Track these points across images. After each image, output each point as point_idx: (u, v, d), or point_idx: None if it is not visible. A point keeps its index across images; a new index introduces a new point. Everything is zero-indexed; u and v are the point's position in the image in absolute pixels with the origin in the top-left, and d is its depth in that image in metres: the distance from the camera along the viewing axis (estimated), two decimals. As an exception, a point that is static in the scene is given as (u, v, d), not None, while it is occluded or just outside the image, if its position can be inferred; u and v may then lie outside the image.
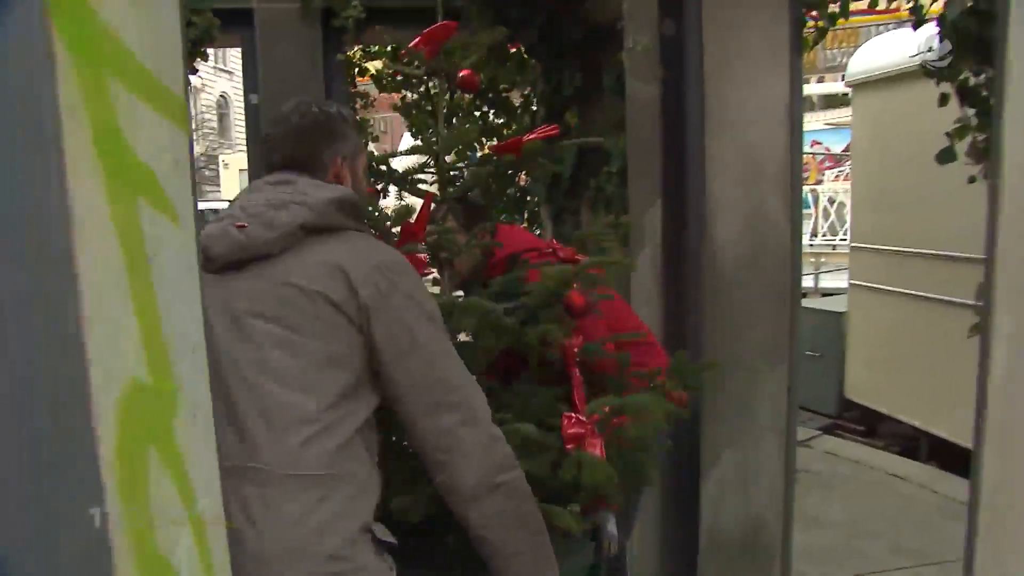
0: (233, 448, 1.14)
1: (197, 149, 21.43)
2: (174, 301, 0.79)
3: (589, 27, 3.52)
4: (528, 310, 1.56)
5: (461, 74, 1.65)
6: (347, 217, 1.28)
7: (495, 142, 5.11)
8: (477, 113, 4.95)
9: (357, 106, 4.62)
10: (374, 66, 4.81)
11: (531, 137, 1.66)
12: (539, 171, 4.18)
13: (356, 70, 4.56)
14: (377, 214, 1.56)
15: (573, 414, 1.44)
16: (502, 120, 4.96)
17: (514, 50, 4.45)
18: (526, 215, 4.94)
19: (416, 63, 1.67)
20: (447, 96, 4.90)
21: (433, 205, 1.68)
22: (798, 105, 2.42)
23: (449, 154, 1.68)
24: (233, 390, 1.17)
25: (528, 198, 4.69)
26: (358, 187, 1.40)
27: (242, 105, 5.12)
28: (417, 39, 1.64)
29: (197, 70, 3.93)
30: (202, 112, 23.31)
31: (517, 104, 4.79)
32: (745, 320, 2.40)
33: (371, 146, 5.25)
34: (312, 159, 1.34)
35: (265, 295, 1.20)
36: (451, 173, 1.69)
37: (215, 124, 24.54)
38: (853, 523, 3.65)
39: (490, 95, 4.76)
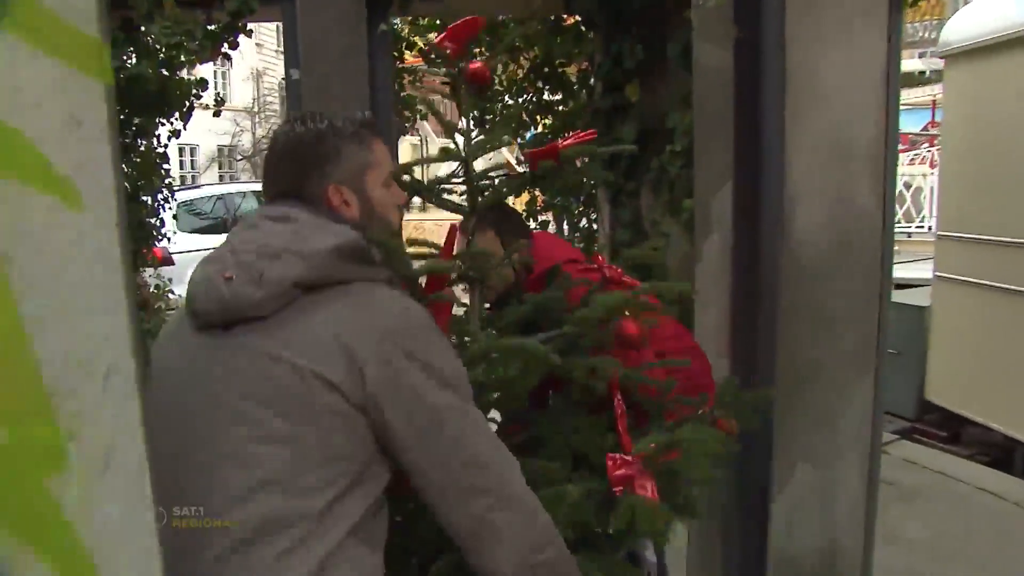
0: (194, 564, 0.97)
1: (259, 132, 21.82)
2: (69, 312, 0.58)
3: (653, -8, 3.22)
4: (569, 339, 1.38)
5: (470, 68, 1.45)
6: (352, 266, 1.08)
7: (550, 121, 4.88)
8: (531, 90, 4.70)
9: (405, 81, 4.41)
10: (423, 40, 4.59)
11: (568, 143, 1.44)
12: (573, 177, 3.97)
13: (404, 44, 4.35)
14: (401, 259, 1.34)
15: (618, 455, 1.25)
16: (558, 97, 4.69)
17: (571, 21, 4.17)
18: (581, 198, 4.67)
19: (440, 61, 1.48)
20: (504, 78, 4.70)
21: (462, 218, 1.52)
22: (896, 73, 2.09)
23: (477, 160, 1.48)
24: (201, 482, 1.00)
25: (584, 179, 4.42)
26: (372, 210, 1.19)
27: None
28: (441, 36, 1.47)
29: (238, 44, 3.77)
30: (264, 95, 23.60)
31: (574, 80, 4.51)
32: (827, 321, 2.10)
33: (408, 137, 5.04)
34: (298, 191, 1.15)
35: (251, 371, 1.01)
36: (481, 183, 1.48)
37: (278, 107, 24.86)
38: (935, 543, 3.29)
39: (545, 70, 4.50)
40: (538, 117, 4.76)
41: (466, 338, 1.54)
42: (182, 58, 4.00)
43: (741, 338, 2.16)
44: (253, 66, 21.78)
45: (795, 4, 1.98)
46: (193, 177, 21.07)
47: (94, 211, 0.61)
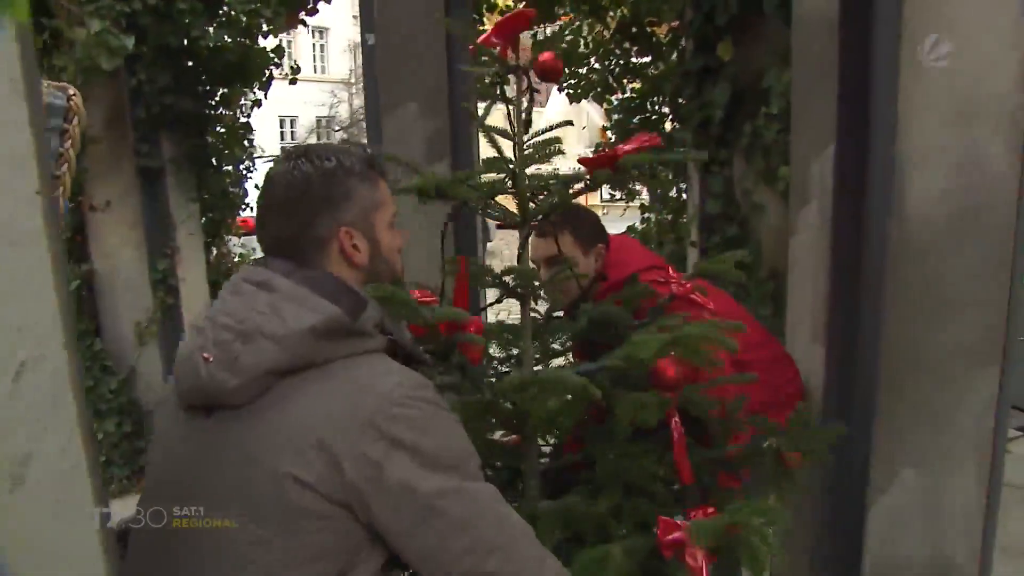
0: None
1: (356, 103, 22.21)
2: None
3: (750, -63, 2.91)
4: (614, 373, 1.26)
5: (541, 59, 1.35)
6: (332, 344, 0.99)
7: (639, 85, 4.62)
8: (618, 52, 4.45)
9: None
10: (508, 1, 4.42)
11: (628, 149, 1.27)
12: (685, 112, 3.70)
13: (484, 5, 4.18)
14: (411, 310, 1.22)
15: (670, 519, 1.13)
16: (647, 59, 4.42)
17: (661, -24, 3.89)
18: (671, 166, 4.40)
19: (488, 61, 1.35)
20: (590, 40, 4.47)
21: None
22: (1038, 16, 1.76)
23: (527, 168, 1.35)
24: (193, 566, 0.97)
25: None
26: (380, 254, 1.12)
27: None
28: (487, 32, 1.34)
29: (317, 11, 3.71)
30: (360, 67, 24.00)
31: (663, 40, 4.22)
32: (943, 304, 1.82)
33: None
34: (304, 237, 1.06)
35: (231, 471, 0.96)
36: (533, 193, 1.35)
37: (373, 78, 25.18)
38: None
39: (632, 30, 4.23)
40: (625, 81, 4.51)
41: (514, 350, 1.49)
42: (263, 27, 4.00)
43: (839, 321, 1.91)
44: (350, 38, 22.12)
45: (917, -66, 1.69)
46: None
47: (4, 179, 0.49)
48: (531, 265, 1.70)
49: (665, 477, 1.23)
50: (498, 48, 1.33)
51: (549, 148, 1.31)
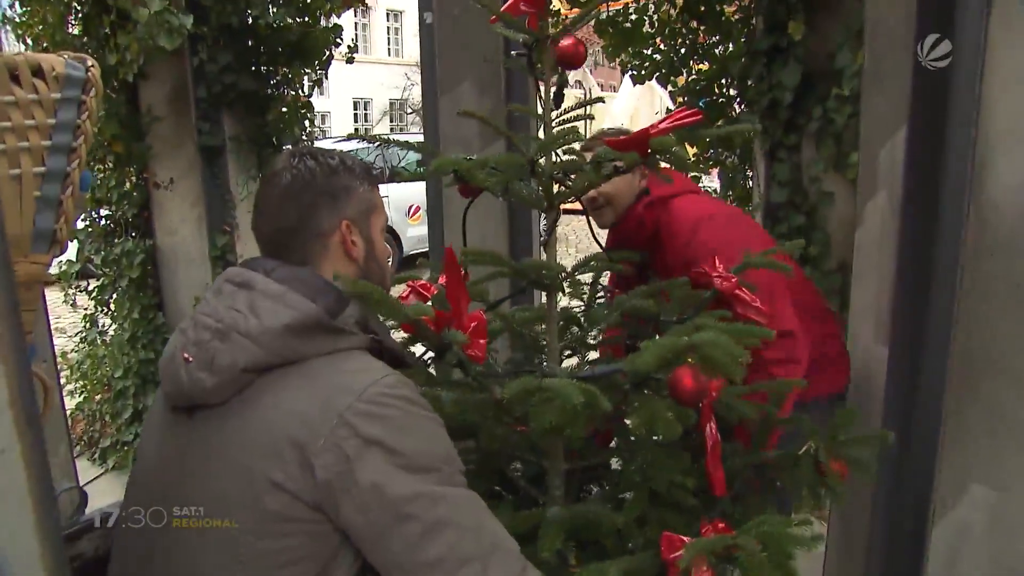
0: None
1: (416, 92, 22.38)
2: None
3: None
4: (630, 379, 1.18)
5: (561, 44, 1.26)
6: (308, 341, 0.99)
7: (706, 67, 4.43)
8: (685, 32, 4.27)
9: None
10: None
11: (662, 127, 1.15)
12: (753, 95, 3.52)
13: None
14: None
15: (675, 535, 1.04)
16: (715, 39, 4.23)
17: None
18: (737, 152, 4.21)
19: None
20: (656, 19, 4.31)
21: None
22: None
23: (544, 159, 1.27)
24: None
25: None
26: (374, 255, 1.15)
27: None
28: (511, 1, 1.25)
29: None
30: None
31: (733, 19, 4.03)
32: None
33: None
34: (306, 228, 1.09)
35: (208, 474, 0.96)
36: (555, 176, 1.26)
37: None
38: None
39: (701, 8, 4.05)
40: (692, 62, 4.33)
41: (543, 342, 1.44)
42: (328, 6, 4.01)
43: (906, 319, 1.75)
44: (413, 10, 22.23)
45: None
46: (367, 130, 22.09)
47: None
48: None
49: (695, 487, 1.14)
50: (527, 16, 1.24)
51: (568, 135, 1.22)
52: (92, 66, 1.12)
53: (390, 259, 1.36)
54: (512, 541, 0.99)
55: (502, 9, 1.25)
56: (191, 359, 0.98)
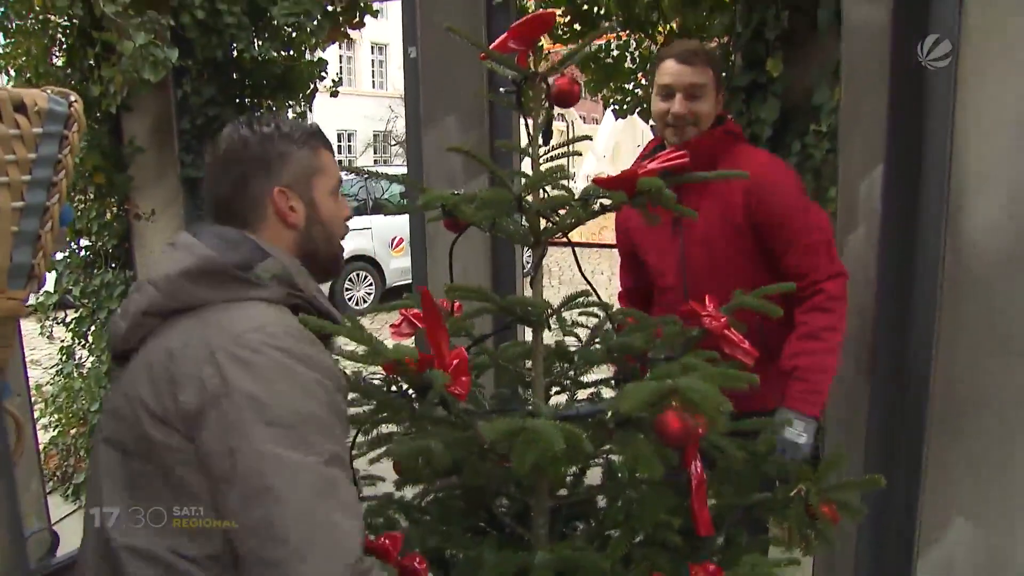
0: None
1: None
2: None
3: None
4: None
5: (556, 83, 1.27)
6: (207, 288, 1.01)
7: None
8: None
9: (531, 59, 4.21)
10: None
11: (650, 168, 1.17)
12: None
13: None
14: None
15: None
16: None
17: (710, -10, 3.79)
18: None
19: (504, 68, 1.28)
20: (637, 55, 4.40)
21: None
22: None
23: (532, 195, 1.28)
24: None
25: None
26: (318, 218, 1.16)
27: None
28: (503, 35, 1.27)
29: (363, 24, 3.73)
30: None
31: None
32: (1003, 340, 1.67)
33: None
34: (239, 196, 1.11)
35: (112, 409, 1.01)
36: (542, 212, 1.28)
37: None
38: None
39: (682, 45, 4.13)
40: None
41: (528, 378, 1.41)
42: (312, 40, 4.04)
43: (886, 356, 1.77)
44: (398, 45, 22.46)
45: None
46: (350, 161, 22.16)
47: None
48: (664, 89, 1.77)
49: (681, 528, 1.13)
50: (516, 54, 1.25)
51: (557, 174, 1.22)
52: (75, 101, 1.11)
53: (348, 218, 1.34)
54: (351, 543, 0.90)
55: (491, 47, 1.27)
56: (118, 311, 1.06)
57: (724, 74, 1.78)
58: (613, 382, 1.53)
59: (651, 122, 4.77)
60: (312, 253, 1.16)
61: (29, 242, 1.05)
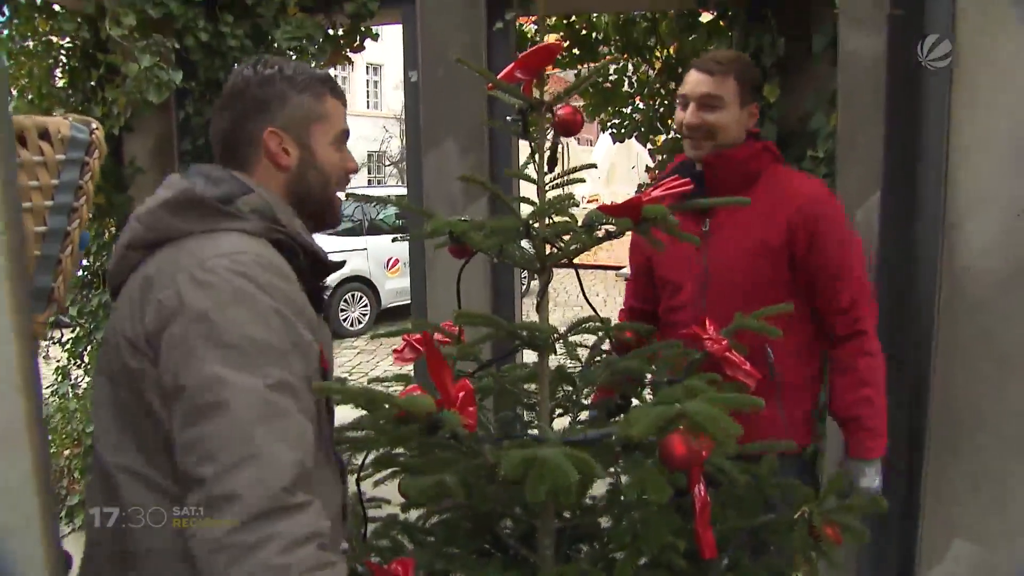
0: None
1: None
2: None
3: (797, -22, 2.86)
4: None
5: (560, 112, 1.30)
6: (186, 220, 1.02)
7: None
8: (663, 92, 4.41)
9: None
10: (552, 39, 4.43)
11: (654, 196, 1.19)
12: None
13: (528, 44, 4.20)
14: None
15: None
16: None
17: (706, 17, 3.86)
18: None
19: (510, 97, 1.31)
20: (635, 80, 4.45)
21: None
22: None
23: (542, 222, 1.31)
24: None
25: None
26: (314, 162, 1.15)
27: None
28: (510, 66, 1.30)
29: (363, 48, 3.77)
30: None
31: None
32: (999, 362, 1.70)
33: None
34: (235, 133, 1.12)
35: (104, 341, 1.03)
36: (548, 241, 1.31)
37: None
38: None
39: (679, 70, 4.19)
40: (670, 121, 4.46)
41: (528, 400, 1.47)
42: (313, 64, 4.08)
43: (887, 377, 1.80)
44: (399, 70, 22.64)
45: (970, -28, 1.62)
46: (344, 182, 22.18)
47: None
48: (681, 98, 1.71)
49: (686, 551, 1.14)
50: (522, 83, 1.29)
51: (565, 202, 1.25)
52: (96, 128, 1.14)
53: (353, 171, 1.32)
54: (282, 474, 0.87)
55: (499, 76, 1.30)
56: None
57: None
58: (612, 406, 1.55)
59: (648, 146, 4.83)
60: (304, 197, 1.15)
61: (50, 266, 1.07)
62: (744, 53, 1.74)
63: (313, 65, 4.00)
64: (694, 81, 1.69)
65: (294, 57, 3.91)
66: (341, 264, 1.29)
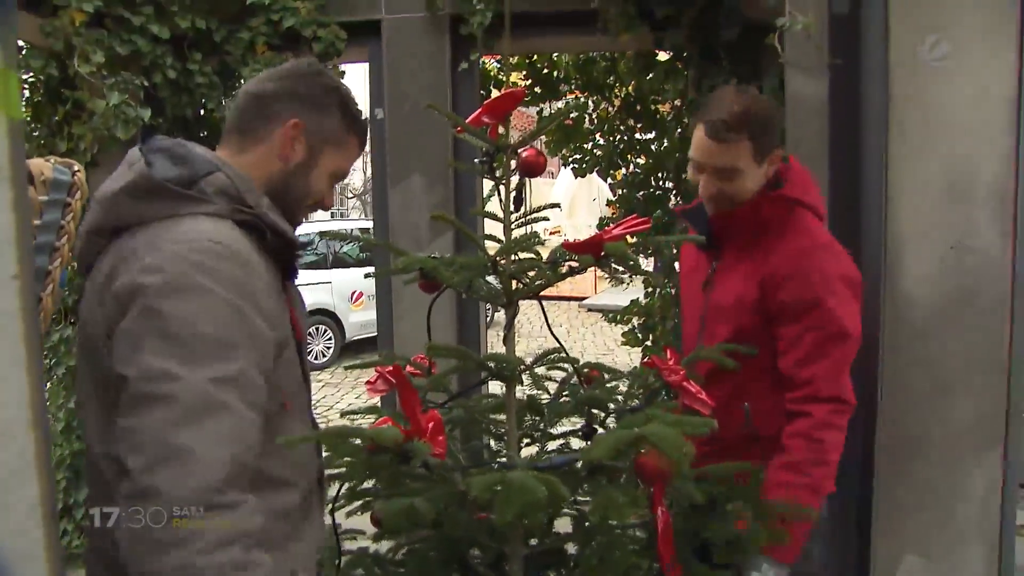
0: None
1: (369, 172, 22.72)
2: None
3: (746, 23, 3.01)
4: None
5: (524, 155, 1.35)
6: (148, 204, 0.99)
7: (643, 161, 4.71)
8: (622, 128, 4.55)
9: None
10: (515, 78, 4.55)
11: (614, 235, 1.28)
12: (688, 188, 3.76)
13: (491, 83, 4.31)
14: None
15: None
16: (650, 135, 4.52)
17: (663, 57, 4.01)
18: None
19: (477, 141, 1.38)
20: (595, 116, 4.60)
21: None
22: (1026, 101, 1.80)
23: (508, 259, 1.36)
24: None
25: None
26: (307, 173, 1.15)
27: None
28: (477, 111, 1.37)
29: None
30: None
31: (667, 117, 4.33)
32: (940, 386, 1.81)
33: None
34: (265, 107, 1.12)
35: (80, 323, 1.05)
36: (514, 277, 1.36)
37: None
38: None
39: (637, 107, 4.34)
40: (630, 156, 4.59)
41: (495, 429, 1.51)
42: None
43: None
44: (366, 110, 22.69)
45: (900, 29, 1.75)
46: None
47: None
48: (693, 162, 1.57)
49: (650, 569, 1.20)
50: (488, 127, 1.36)
51: (530, 240, 1.32)
52: (78, 171, 1.18)
53: (325, 208, 1.32)
54: (210, 471, 0.86)
55: (468, 121, 1.37)
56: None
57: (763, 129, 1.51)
58: (581, 433, 1.61)
59: (608, 180, 4.95)
60: (279, 195, 1.13)
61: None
62: (757, 93, 1.56)
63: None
64: (705, 149, 1.53)
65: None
66: (306, 244, 1.32)
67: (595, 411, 1.53)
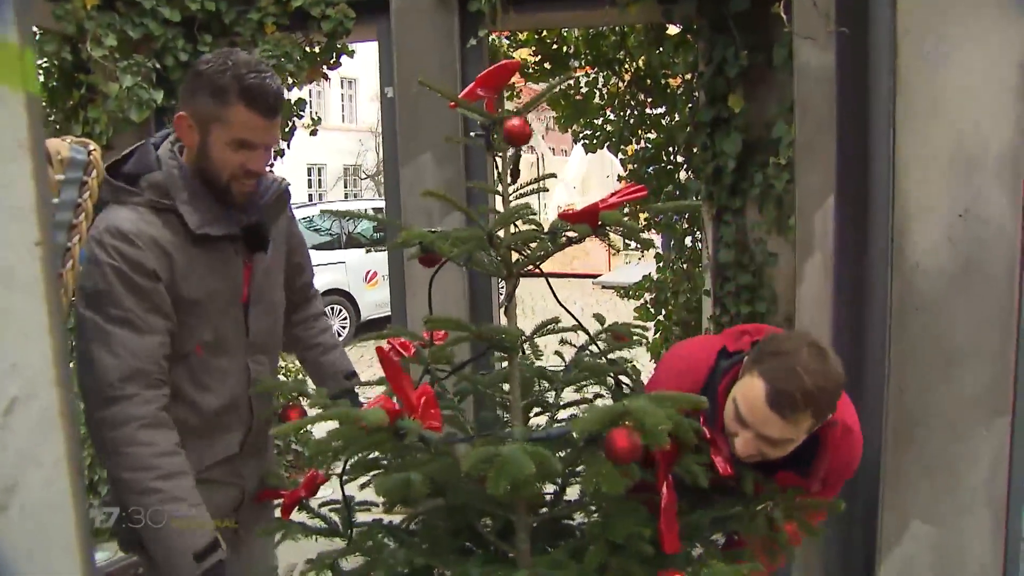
0: None
1: (383, 152, 22.62)
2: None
3: (757, -7, 2.98)
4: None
5: (508, 125, 1.34)
6: (107, 191, 1.35)
7: (653, 136, 4.69)
8: (633, 103, 4.53)
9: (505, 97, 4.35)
10: (522, 54, 4.53)
11: (611, 202, 1.27)
12: (698, 162, 3.75)
13: (502, 58, 4.29)
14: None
15: None
16: (661, 110, 4.49)
17: (675, 30, 3.98)
18: (685, 215, 4.43)
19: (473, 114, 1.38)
20: (606, 92, 4.58)
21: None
22: (1037, 67, 1.78)
23: (502, 231, 1.36)
24: None
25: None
26: (207, 156, 1.37)
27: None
28: (471, 85, 1.37)
29: (340, 64, 3.84)
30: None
31: (678, 91, 4.30)
32: (948, 356, 1.81)
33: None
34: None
35: None
36: (513, 246, 1.37)
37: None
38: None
39: (647, 82, 4.31)
40: (640, 131, 4.57)
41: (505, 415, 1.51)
42: (289, 80, 4.14)
43: (845, 370, 1.90)
44: (378, 88, 22.67)
45: (909, -7, 1.73)
46: (320, 195, 22.17)
47: (6, 230, 0.54)
48: (738, 418, 1.35)
49: (653, 538, 1.21)
50: (484, 100, 1.36)
51: (524, 211, 1.32)
52: (94, 150, 1.21)
53: (251, 173, 1.40)
54: (108, 373, 1.29)
55: (461, 95, 1.37)
56: None
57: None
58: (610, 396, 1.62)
59: (619, 155, 4.94)
60: (205, 177, 1.40)
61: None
62: (829, 355, 1.35)
63: (291, 82, 4.08)
64: (762, 418, 1.30)
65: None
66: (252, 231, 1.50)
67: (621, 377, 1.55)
